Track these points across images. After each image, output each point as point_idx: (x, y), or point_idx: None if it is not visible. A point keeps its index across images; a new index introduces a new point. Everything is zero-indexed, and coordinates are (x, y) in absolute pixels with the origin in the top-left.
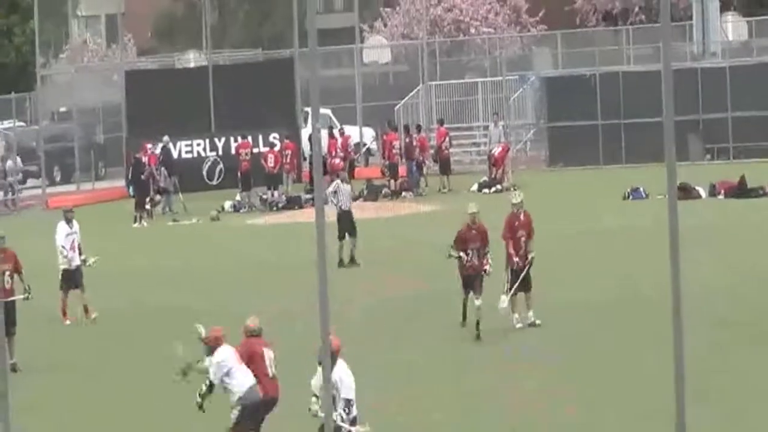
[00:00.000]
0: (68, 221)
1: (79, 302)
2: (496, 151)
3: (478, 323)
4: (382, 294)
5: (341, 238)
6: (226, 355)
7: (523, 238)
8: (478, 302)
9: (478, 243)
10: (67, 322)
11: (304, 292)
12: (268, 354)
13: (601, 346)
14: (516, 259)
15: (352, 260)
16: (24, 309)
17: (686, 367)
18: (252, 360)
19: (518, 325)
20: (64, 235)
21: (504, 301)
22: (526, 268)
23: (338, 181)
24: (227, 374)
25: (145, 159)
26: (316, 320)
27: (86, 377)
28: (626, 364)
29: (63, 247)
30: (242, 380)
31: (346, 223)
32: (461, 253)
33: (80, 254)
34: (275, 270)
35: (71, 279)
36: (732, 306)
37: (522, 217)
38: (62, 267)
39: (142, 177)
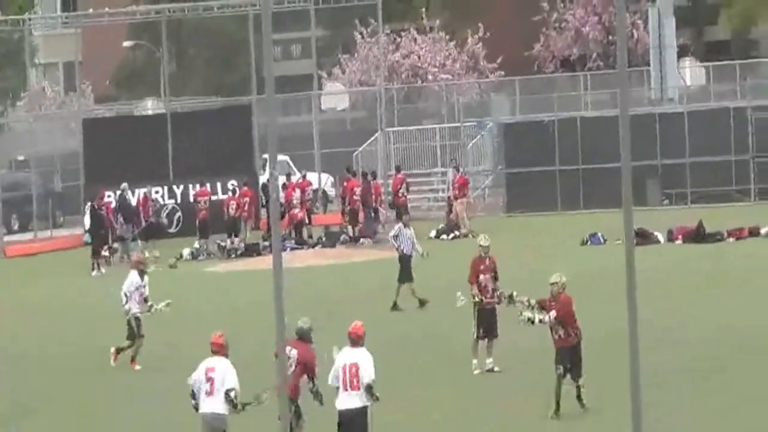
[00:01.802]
0: (141, 273)
1: (128, 349)
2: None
3: (580, 394)
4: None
5: (401, 281)
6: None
7: (488, 282)
8: (581, 381)
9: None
10: (137, 367)
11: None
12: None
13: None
14: (482, 298)
15: (421, 302)
16: None
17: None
18: None
19: (476, 371)
20: (133, 286)
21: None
22: (496, 305)
23: (400, 224)
24: None
25: (101, 207)
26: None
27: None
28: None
29: (125, 294)
30: None
31: (405, 267)
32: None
33: (146, 302)
34: (233, 315)
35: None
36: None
37: (488, 261)
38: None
39: (99, 224)
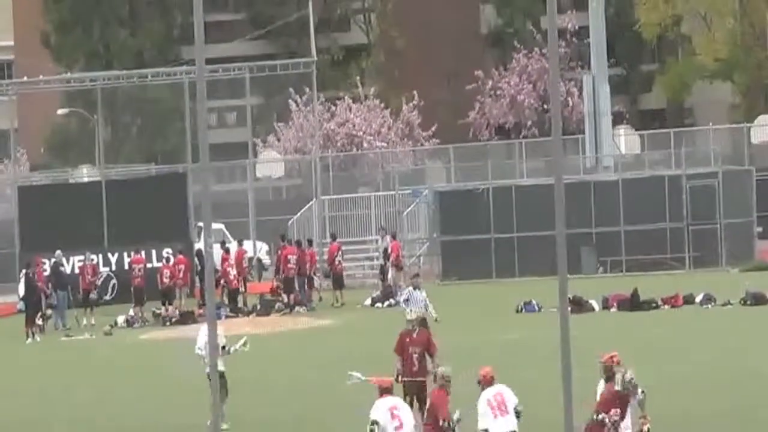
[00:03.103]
0: None
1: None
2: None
3: None
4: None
5: None
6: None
7: (415, 356)
8: None
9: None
10: (224, 426)
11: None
12: None
13: None
14: (397, 377)
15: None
16: None
17: None
18: None
19: None
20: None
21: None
22: (420, 381)
23: (410, 288)
24: None
25: (35, 275)
26: None
27: None
28: None
29: (200, 348)
30: None
31: None
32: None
33: (224, 349)
34: (169, 383)
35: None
36: None
37: (416, 334)
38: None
39: (33, 292)
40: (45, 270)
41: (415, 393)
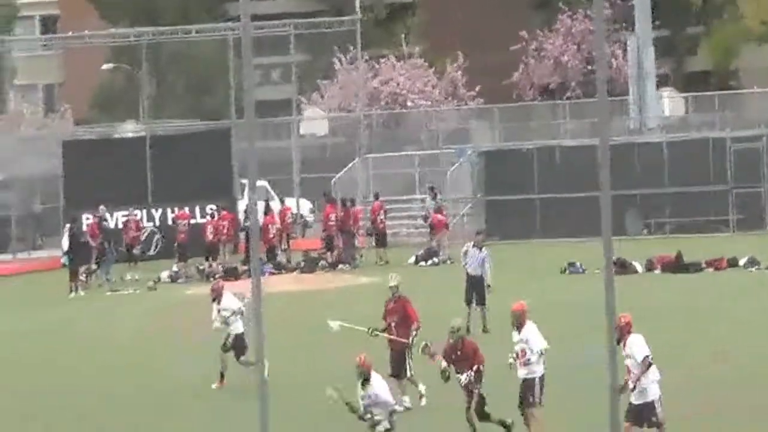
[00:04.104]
0: (215, 300)
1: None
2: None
3: None
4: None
5: (467, 302)
6: None
7: (393, 324)
8: None
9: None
10: (213, 386)
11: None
12: None
13: None
14: (375, 332)
15: (484, 330)
16: None
17: None
18: None
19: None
20: (216, 311)
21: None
22: (406, 352)
23: (469, 243)
24: None
25: (85, 228)
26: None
27: None
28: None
29: (215, 320)
30: None
31: (472, 289)
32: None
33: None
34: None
35: (226, 343)
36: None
37: (393, 303)
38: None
39: (78, 247)
40: (90, 224)
41: (394, 358)
